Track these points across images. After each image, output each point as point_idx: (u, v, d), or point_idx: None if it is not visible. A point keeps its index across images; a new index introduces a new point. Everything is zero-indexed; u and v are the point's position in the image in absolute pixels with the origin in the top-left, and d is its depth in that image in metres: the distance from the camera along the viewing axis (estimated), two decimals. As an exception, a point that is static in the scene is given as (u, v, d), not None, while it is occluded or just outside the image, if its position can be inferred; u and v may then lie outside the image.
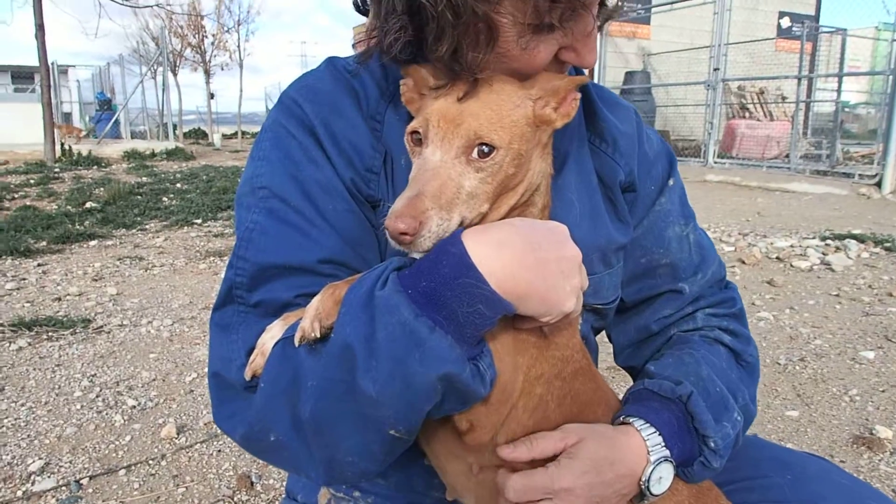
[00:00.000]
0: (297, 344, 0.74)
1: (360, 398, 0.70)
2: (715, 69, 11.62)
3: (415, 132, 0.79)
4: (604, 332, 1.17)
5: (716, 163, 11.71)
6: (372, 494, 1.04)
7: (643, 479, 0.85)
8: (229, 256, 0.90)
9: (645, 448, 0.86)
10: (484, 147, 0.75)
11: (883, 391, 2.68)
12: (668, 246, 1.09)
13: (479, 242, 0.71)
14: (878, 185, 8.80)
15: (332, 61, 0.98)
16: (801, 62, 13.04)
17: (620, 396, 1.00)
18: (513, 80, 0.81)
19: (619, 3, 0.89)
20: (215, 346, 0.88)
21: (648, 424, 0.88)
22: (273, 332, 0.81)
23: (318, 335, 0.73)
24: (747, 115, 14.73)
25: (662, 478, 0.86)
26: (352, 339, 0.69)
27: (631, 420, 0.89)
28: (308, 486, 1.10)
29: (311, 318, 0.74)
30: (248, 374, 0.82)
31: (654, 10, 14.73)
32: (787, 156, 11.60)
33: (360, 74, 0.95)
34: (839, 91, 11.85)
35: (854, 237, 5.55)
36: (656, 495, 0.86)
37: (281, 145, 0.90)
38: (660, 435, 0.87)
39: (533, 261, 0.73)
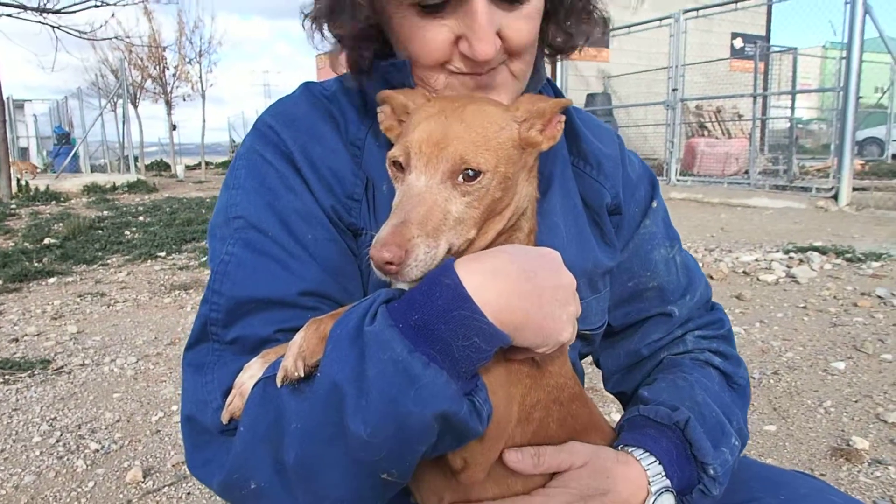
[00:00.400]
0: (279, 384, 0.70)
1: (351, 441, 0.65)
2: (673, 89, 11.91)
3: (396, 160, 0.76)
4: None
5: (678, 180, 11.95)
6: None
7: None
8: (201, 291, 0.86)
9: (645, 478, 0.84)
10: (470, 171, 0.72)
11: (856, 401, 2.71)
12: (654, 269, 1.08)
13: (474, 272, 0.68)
14: (835, 197, 9.06)
15: (308, 86, 0.95)
16: (755, 81, 13.44)
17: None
18: (497, 103, 0.80)
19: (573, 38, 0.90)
20: (189, 387, 0.82)
21: (648, 454, 0.86)
22: (252, 371, 0.77)
23: (303, 374, 0.68)
24: (706, 133, 15.11)
25: None
26: (340, 379, 0.65)
27: (630, 450, 0.87)
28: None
29: (295, 356, 0.69)
30: (225, 418, 0.77)
31: (612, 33, 15.07)
32: (747, 172, 11.90)
33: (339, 99, 0.92)
34: (793, 108, 12.23)
35: (816, 249, 5.67)
36: None
37: (257, 173, 0.86)
38: (660, 464, 0.85)
39: (529, 289, 0.70)
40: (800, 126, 17.22)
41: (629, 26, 13.59)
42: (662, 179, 12.20)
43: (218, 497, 2.06)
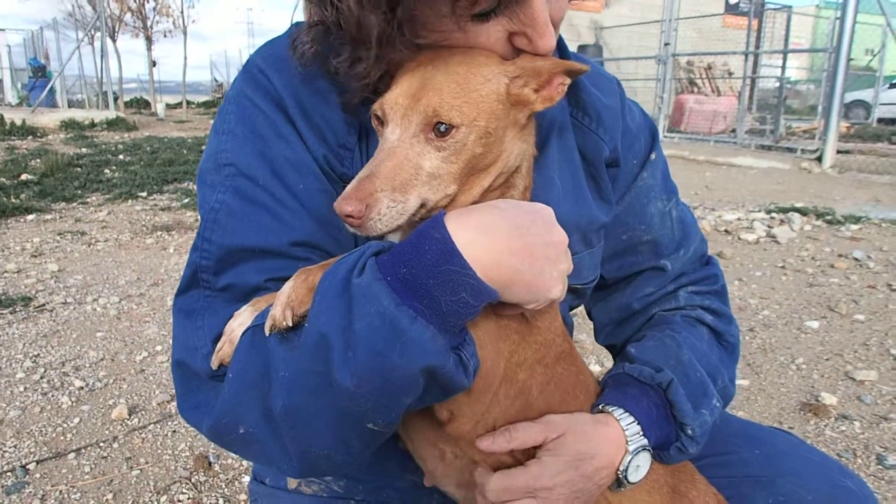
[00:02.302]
0: (267, 332, 0.70)
1: (337, 391, 0.66)
2: (665, 44, 11.77)
3: (376, 113, 0.75)
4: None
5: (665, 137, 11.93)
6: (344, 477, 1.02)
7: (621, 468, 0.84)
8: (184, 233, 0.85)
9: (623, 438, 0.85)
10: (441, 125, 0.71)
11: (827, 359, 2.79)
12: (649, 222, 1.06)
13: (464, 227, 0.68)
14: (819, 159, 9.12)
15: (300, 27, 0.92)
16: (748, 38, 13.31)
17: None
18: (489, 55, 0.76)
19: None
20: (179, 333, 0.82)
21: (627, 413, 0.87)
22: (241, 319, 0.77)
23: (291, 324, 0.69)
24: (695, 90, 15.02)
25: (640, 466, 0.86)
26: (327, 330, 0.65)
27: (610, 409, 0.88)
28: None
29: (283, 305, 0.69)
30: (214, 364, 0.77)
31: (606, -17, 14.78)
32: (734, 130, 11.90)
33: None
34: (783, 67, 12.17)
35: (797, 210, 5.74)
36: (633, 483, 0.86)
37: (247, 119, 0.84)
38: (638, 424, 0.86)
39: (520, 246, 0.70)
40: (788, 86, 17.16)
41: (624, -24, 13.33)
42: (650, 135, 12.19)
43: (200, 435, 2.09)
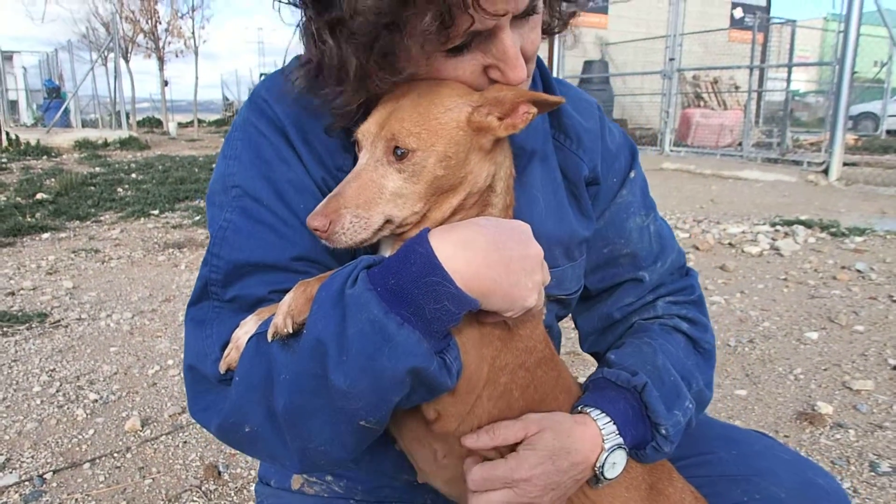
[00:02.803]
0: (270, 339, 0.77)
1: (332, 392, 0.73)
2: (670, 59, 11.86)
3: (355, 140, 0.84)
4: (570, 320, 1.22)
5: (672, 151, 11.98)
6: (344, 478, 1.08)
7: (598, 465, 0.90)
8: (195, 250, 0.93)
9: (600, 437, 0.91)
10: (398, 149, 0.79)
11: (825, 370, 2.83)
12: (629, 236, 1.13)
13: (446, 242, 0.74)
14: (826, 172, 9.12)
15: (301, 60, 1.00)
16: (752, 52, 13.39)
17: (582, 380, 1.05)
18: (457, 87, 0.83)
19: (560, 18, 0.94)
20: (191, 340, 0.90)
21: (604, 414, 0.93)
22: (247, 328, 0.84)
23: (291, 331, 0.76)
24: (702, 104, 15.07)
25: (616, 463, 0.91)
26: (323, 335, 0.72)
27: (588, 410, 0.93)
28: (281, 471, 1.13)
29: (284, 314, 0.76)
30: (222, 368, 0.85)
31: (611, 0, 14.91)
32: (741, 144, 11.93)
33: None
34: (788, 80, 12.21)
35: (802, 223, 5.77)
36: (610, 479, 0.92)
37: (252, 145, 0.92)
38: (614, 424, 0.92)
39: (497, 259, 0.76)
40: (797, 99, 17.19)
41: (629, -7, 13.46)
42: (656, 149, 12.23)
43: (212, 445, 2.15)
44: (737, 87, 15.09)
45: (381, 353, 0.71)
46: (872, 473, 2.04)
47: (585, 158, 1.08)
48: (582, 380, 1.06)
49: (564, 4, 0.95)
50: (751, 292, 3.96)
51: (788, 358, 2.96)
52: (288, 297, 0.78)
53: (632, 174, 1.15)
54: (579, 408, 0.95)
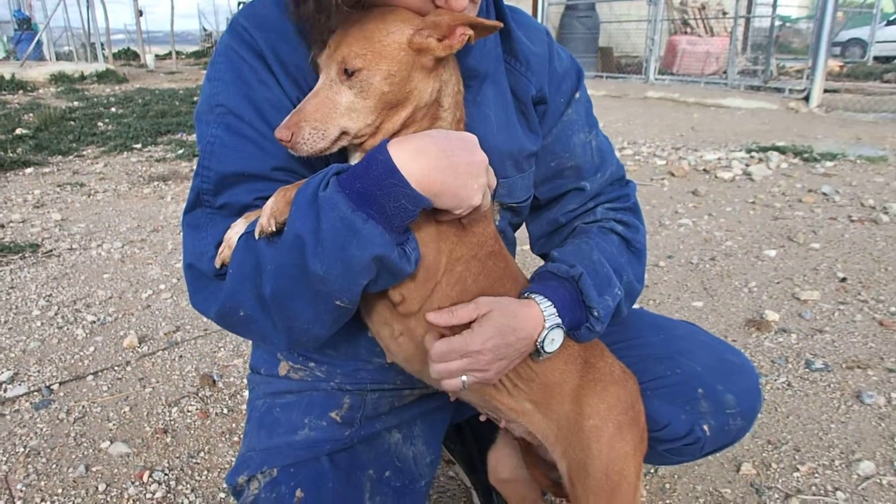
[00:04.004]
0: (257, 237, 0.92)
1: (311, 277, 0.88)
2: (657, -16, 11.65)
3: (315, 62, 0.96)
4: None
5: (656, 80, 11.92)
6: (325, 364, 1.24)
7: (539, 340, 1.05)
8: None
9: (542, 317, 1.06)
10: (348, 70, 0.90)
11: (778, 283, 3.02)
12: (573, 151, 1.25)
13: (402, 150, 0.88)
14: (807, 99, 9.19)
15: None
16: (740, -24, 13.13)
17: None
18: (402, 13, 0.93)
19: None
20: (188, 242, 1.04)
21: (546, 298, 1.08)
22: (237, 229, 0.98)
23: (274, 229, 0.91)
24: (689, 30, 14.88)
25: (554, 340, 1.07)
26: (302, 231, 0.86)
27: (533, 296, 1.09)
28: (269, 360, 1.29)
29: (268, 215, 0.91)
30: (217, 263, 0.99)
31: (598, -79, 14.46)
32: (726, 72, 11.88)
33: None
34: (774, 6, 12.06)
35: (777, 149, 5.90)
36: (549, 353, 1.08)
37: (234, 68, 1.03)
38: (554, 307, 1.07)
39: (446, 164, 0.90)
40: (788, 25, 16.96)
41: (616, -86, 13.06)
42: (641, 78, 12.17)
43: (206, 359, 2.32)
44: (724, 13, 14.88)
45: (350, 243, 0.85)
46: (807, 370, 2.26)
47: (533, 80, 1.20)
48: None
49: None
50: (718, 215, 4.12)
51: (745, 273, 3.16)
52: (270, 201, 0.92)
53: (577, 95, 1.27)
54: (525, 294, 1.10)
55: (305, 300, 0.92)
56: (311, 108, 0.91)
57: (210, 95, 1.05)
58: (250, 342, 2.50)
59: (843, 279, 3.03)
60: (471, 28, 0.92)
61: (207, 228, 1.03)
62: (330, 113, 0.91)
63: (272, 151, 1.01)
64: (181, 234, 1.08)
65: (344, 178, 0.88)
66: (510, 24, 1.19)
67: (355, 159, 0.99)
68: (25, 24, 20.34)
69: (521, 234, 1.37)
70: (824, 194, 4.48)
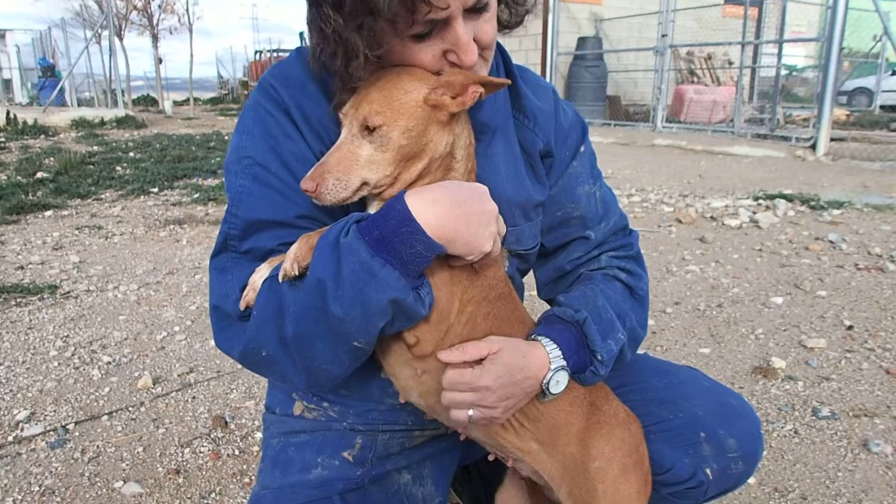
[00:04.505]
0: (280, 280, 0.98)
1: (331, 319, 0.94)
2: (663, 35, 11.93)
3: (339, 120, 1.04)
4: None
5: (664, 127, 12.10)
6: (338, 404, 1.29)
7: (544, 381, 1.10)
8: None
9: (547, 359, 1.10)
10: (367, 124, 0.98)
11: (784, 330, 3.04)
12: (578, 201, 1.32)
13: (418, 200, 0.95)
14: (813, 147, 9.29)
15: (301, 52, 1.19)
16: (744, 28, 13.43)
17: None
18: (417, 72, 1.02)
19: (515, 15, 1.12)
20: (214, 284, 1.10)
21: (551, 341, 1.13)
22: (261, 273, 1.05)
23: (297, 273, 0.97)
24: (695, 80, 15.15)
25: (559, 381, 1.11)
26: (323, 275, 0.93)
27: (539, 338, 1.14)
28: (284, 400, 1.34)
29: (292, 260, 0.97)
30: (242, 306, 1.05)
31: (605, -25, 14.91)
32: (733, 120, 12.05)
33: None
34: (779, 56, 12.30)
35: (784, 197, 5.95)
36: (554, 394, 1.12)
37: (261, 122, 1.12)
38: (559, 349, 1.12)
39: (459, 214, 0.97)
40: (794, 74, 17.23)
41: (622, -31, 13.46)
42: (649, 126, 12.36)
43: (219, 400, 2.35)
44: (730, 63, 15.16)
45: (368, 287, 0.92)
46: (813, 417, 2.27)
47: (540, 135, 1.27)
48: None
49: (520, 6, 1.14)
50: (725, 262, 4.16)
51: (752, 320, 3.18)
52: (294, 247, 0.99)
53: (582, 148, 1.34)
54: (532, 336, 1.15)
55: (325, 341, 0.97)
56: (334, 161, 0.99)
57: (239, 148, 1.13)
58: (262, 384, 2.54)
59: (850, 327, 3.05)
60: (482, 86, 1.00)
61: (233, 272, 1.09)
62: (352, 165, 0.99)
63: (296, 200, 1.09)
64: (207, 276, 1.14)
65: (364, 226, 0.94)
66: (519, 83, 1.27)
67: (374, 208, 1.06)
68: (49, 72, 21.03)
69: (529, 279, 1.43)
70: (831, 242, 4.51)
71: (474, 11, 1.00)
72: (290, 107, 1.11)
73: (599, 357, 1.14)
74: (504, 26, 1.16)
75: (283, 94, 1.12)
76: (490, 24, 1.05)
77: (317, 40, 1.01)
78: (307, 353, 0.99)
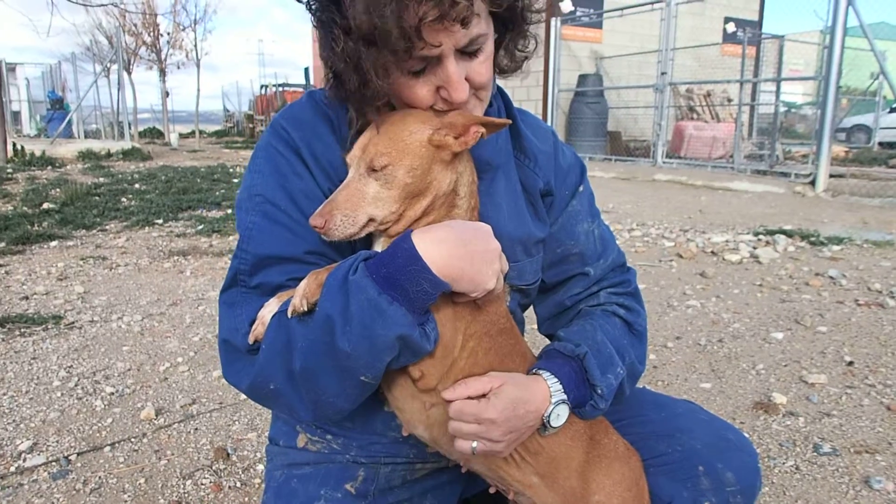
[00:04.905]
0: (289, 315, 1.01)
1: (339, 354, 0.97)
2: (662, 73, 12.14)
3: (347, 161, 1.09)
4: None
5: (664, 163, 12.22)
6: (341, 436, 1.30)
7: (545, 415, 1.12)
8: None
9: (549, 392, 1.13)
10: (374, 164, 1.03)
11: (785, 366, 3.05)
12: (577, 238, 1.36)
13: (424, 240, 0.98)
14: (813, 183, 9.37)
15: (311, 95, 1.24)
16: (742, 66, 13.67)
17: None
18: (421, 114, 1.07)
19: (516, 59, 1.17)
20: (224, 319, 1.13)
21: (552, 375, 1.15)
22: (270, 308, 1.08)
23: (306, 309, 1.00)
24: (695, 116, 15.36)
25: (560, 415, 1.13)
26: (331, 311, 0.96)
27: (540, 372, 1.16)
28: (288, 432, 1.35)
29: (300, 296, 1.00)
30: (251, 340, 1.08)
31: (605, 15, 15.23)
32: (732, 156, 12.18)
33: (335, 105, 1.20)
34: (777, 94, 12.49)
35: (784, 232, 5.99)
36: (555, 427, 1.14)
37: (272, 161, 1.16)
38: (560, 383, 1.14)
39: (464, 252, 1.00)
40: (793, 111, 17.45)
41: (622, 9, 13.75)
42: (649, 161, 12.48)
43: (221, 432, 2.36)
44: (729, 100, 15.39)
45: (376, 323, 0.95)
46: (815, 454, 2.26)
47: (540, 174, 1.32)
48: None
49: (519, 53, 1.19)
50: (726, 297, 4.18)
51: (753, 355, 3.19)
52: (303, 283, 1.02)
53: (581, 188, 1.39)
54: (533, 370, 1.17)
55: (333, 375, 1.00)
56: (342, 199, 1.03)
57: (250, 186, 1.17)
58: (265, 416, 2.55)
59: (851, 363, 3.06)
60: (483, 126, 1.05)
61: (242, 306, 1.12)
62: (359, 202, 1.03)
63: (305, 237, 1.12)
64: (211, 308, 1.17)
65: (372, 264, 0.98)
66: (519, 125, 1.32)
67: (380, 244, 1.10)
68: (58, 104, 21.35)
69: (530, 315, 1.45)
70: (831, 278, 4.54)
71: (467, 53, 1.06)
72: (301, 146, 1.16)
73: (599, 391, 1.17)
74: (503, 71, 1.21)
75: (293, 135, 1.16)
76: (484, 67, 1.10)
77: (332, 61, 1.04)
78: (314, 387, 1.02)
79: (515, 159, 1.31)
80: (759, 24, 17.97)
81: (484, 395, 1.08)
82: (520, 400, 1.09)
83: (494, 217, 1.20)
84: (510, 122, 1.09)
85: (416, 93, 1.07)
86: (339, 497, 1.26)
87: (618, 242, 1.45)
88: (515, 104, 1.35)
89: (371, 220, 1.04)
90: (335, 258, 1.13)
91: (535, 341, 3.07)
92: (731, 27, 17.48)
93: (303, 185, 1.15)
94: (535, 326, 1.46)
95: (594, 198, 1.43)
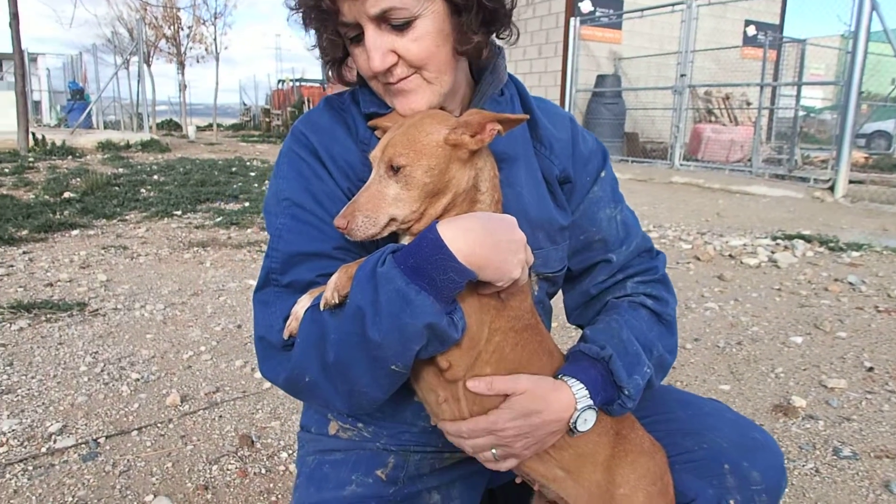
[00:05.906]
0: (322, 309, 1.04)
1: (370, 344, 1.00)
2: (682, 75, 12.08)
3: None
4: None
5: (681, 165, 12.17)
6: (372, 425, 1.34)
7: (571, 421, 1.14)
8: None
9: (574, 400, 1.15)
10: (393, 165, 1.06)
11: (805, 370, 3.05)
12: (599, 225, 1.38)
13: (450, 229, 1.01)
14: (832, 189, 9.30)
15: (328, 100, 1.29)
16: (763, 70, 13.58)
17: (564, 349, 1.30)
18: (438, 115, 1.11)
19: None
20: (259, 317, 1.17)
21: (578, 381, 1.17)
22: (303, 303, 1.11)
23: (337, 302, 1.03)
24: (713, 119, 15.26)
25: (587, 420, 1.16)
26: (362, 303, 0.99)
27: (565, 378, 1.18)
28: (320, 420, 1.39)
29: (332, 290, 1.04)
30: (285, 335, 1.12)
31: (625, 16, 15.17)
32: (750, 160, 12.11)
33: (351, 109, 1.25)
34: (797, 98, 12.39)
35: (802, 237, 5.96)
36: (583, 431, 1.16)
37: (295, 167, 1.22)
38: (586, 389, 1.16)
39: (489, 241, 1.03)
40: (812, 115, 17.32)
41: (642, 10, 13.68)
42: (666, 163, 12.44)
43: (245, 419, 2.40)
44: (748, 104, 15.28)
45: (404, 312, 0.97)
46: (835, 457, 2.27)
47: (556, 162, 1.34)
48: (564, 348, 1.31)
49: (475, 38, 1.17)
50: (744, 300, 4.18)
51: (772, 359, 3.19)
52: (334, 277, 1.06)
53: (602, 174, 1.40)
54: (560, 376, 1.19)
55: (365, 366, 1.03)
56: (363, 200, 1.06)
57: (277, 191, 1.23)
58: (288, 405, 2.60)
59: (871, 368, 3.05)
60: (499, 123, 1.07)
61: (276, 304, 1.16)
62: (380, 203, 1.06)
63: (331, 234, 1.16)
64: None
65: (399, 256, 1.01)
66: (536, 114, 1.34)
67: (405, 241, 1.13)
68: (78, 95, 21.56)
69: (559, 309, 1.48)
70: (850, 284, 4.52)
71: (395, 28, 1.10)
72: (320, 150, 1.21)
73: (626, 392, 1.19)
74: (460, 54, 1.18)
75: (312, 140, 1.22)
76: (416, 45, 1.11)
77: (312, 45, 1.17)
78: (348, 378, 1.05)
79: (534, 148, 1.33)
80: (781, 27, 17.82)
81: (507, 396, 1.11)
82: (532, 412, 1.11)
83: (515, 205, 1.22)
84: (527, 117, 1.11)
85: (358, 60, 1.15)
86: (370, 482, 1.30)
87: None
88: None
89: (392, 219, 1.07)
90: (362, 253, 1.16)
91: (563, 335, 3.08)
92: (751, 30, 17.36)
93: (324, 186, 1.19)
94: (564, 318, 1.48)
95: (618, 183, 1.44)
